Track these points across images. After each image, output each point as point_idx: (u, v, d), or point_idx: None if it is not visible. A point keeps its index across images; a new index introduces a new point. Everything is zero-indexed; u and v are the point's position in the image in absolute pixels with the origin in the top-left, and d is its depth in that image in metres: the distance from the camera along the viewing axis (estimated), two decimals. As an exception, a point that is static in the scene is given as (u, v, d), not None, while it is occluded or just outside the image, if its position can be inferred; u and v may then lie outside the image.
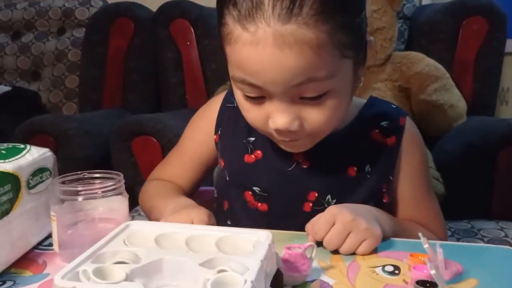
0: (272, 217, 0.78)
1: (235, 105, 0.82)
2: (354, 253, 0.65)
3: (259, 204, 0.79)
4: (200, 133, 0.87)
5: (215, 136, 0.85)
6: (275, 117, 0.65)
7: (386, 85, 1.60)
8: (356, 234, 0.64)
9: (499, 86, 1.78)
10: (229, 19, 0.62)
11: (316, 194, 0.77)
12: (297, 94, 0.63)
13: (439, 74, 1.57)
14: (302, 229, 0.69)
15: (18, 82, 2.08)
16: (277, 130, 0.66)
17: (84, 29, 2.02)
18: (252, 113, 0.68)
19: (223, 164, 0.83)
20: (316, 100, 0.64)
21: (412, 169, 0.80)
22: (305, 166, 0.77)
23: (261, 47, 0.59)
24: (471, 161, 1.35)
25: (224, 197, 0.85)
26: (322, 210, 0.68)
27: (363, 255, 0.65)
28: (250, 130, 0.80)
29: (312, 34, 0.59)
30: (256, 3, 0.59)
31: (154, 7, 1.91)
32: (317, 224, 0.66)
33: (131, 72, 1.92)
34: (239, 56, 0.62)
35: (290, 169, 0.77)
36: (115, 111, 1.87)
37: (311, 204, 0.77)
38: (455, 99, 1.58)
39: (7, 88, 1.94)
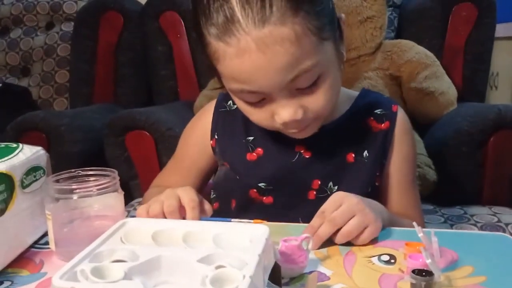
0: (278, 208, 0.81)
1: (228, 109, 0.86)
2: (350, 244, 0.65)
3: (264, 197, 0.81)
4: (194, 145, 0.89)
5: (211, 142, 0.86)
6: (280, 113, 0.69)
7: (377, 73, 1.60)
8: (360, 217, 0.65)
9: (489, 72, 1.79)
10: (210, 39, 0.65)
11: (319, 182, 0.80)
12: (293, 87, 0.67)
13: (429, 61, 1.58)
14: (308, 217, 0.69)
15: (8, 78, 2.05)
16: (284, 124, 0.70)
17: (72, 23, 2.00)
18: (257, 115, 0.72)
19: (229, 165, 0.85)
20: (312, 87, 0.67)
21: (402, 157, 0.83)
22: (307, 156, 0.80)
23: (247, 56, 0.62)
24: (463, 148, 1.36)
25: (230, 196, 0.86)
26: (326, 197, 0.69)
27: (361, 245, 0.65)
28: (247, 130, 0.83)
29: (288, 29, 0.61)
30: (230, 15, 0.61)
31: (143, 0, 1.89)
32: (325, 204, 0.67)
33: (122, 65, 1.90)
34: (230, 70, 0.66)
35: (293, 160, 0.80)
36: (107, 106, 1.85)
37: (315, 192, 0.80)
38: (445, 86, 1.58)
39: (-3, 85, 1.92)
